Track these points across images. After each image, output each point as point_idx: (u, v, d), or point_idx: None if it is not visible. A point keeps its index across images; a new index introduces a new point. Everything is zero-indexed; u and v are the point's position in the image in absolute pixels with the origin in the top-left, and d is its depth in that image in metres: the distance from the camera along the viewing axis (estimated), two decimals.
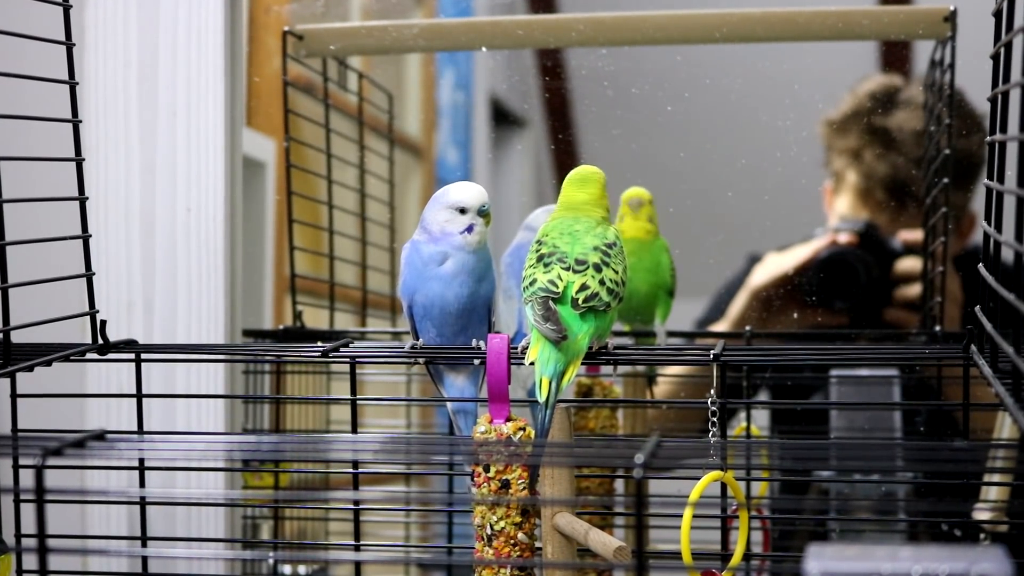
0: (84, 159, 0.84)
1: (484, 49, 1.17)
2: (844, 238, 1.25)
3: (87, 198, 0.84)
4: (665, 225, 0.98)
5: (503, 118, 2.33)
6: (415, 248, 0.81)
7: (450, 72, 2.18)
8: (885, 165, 1.30)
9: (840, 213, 1.35)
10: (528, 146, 2.39)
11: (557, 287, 0.74)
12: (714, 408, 0.75)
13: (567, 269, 0.74)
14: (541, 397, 0.72)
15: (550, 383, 0.71)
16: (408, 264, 0.81)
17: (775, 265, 1.26)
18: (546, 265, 0.75)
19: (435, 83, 2.13)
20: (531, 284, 0.75)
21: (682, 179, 1.49)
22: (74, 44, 0.81)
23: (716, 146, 1.69)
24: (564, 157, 1.98)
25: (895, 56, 2.05)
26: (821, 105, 1.42)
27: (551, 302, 0.73)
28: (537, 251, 0.76)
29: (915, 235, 1.23)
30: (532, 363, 0.73)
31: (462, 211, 0.80)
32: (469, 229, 0.80)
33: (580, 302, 0.73)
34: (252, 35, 1.39)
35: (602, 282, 0.74)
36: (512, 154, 2.39)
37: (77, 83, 0.81)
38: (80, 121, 0.82)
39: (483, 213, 0.80)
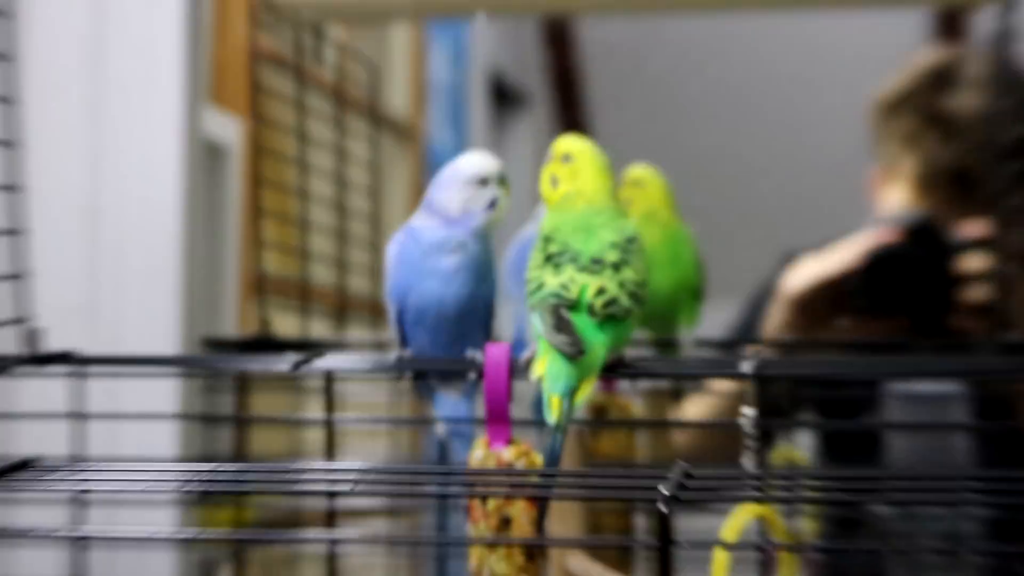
0: (19, 143, 0.82)
1: (482, 17, 1.15)
2: (897, 234, 1.22)
3: (22, 187, 0.83)
4: (690, 218, 0.97)
5: (503, 95, 2.32)
6: (413, 237, 0.79)
7: (443, 43, 2.17)
8: (947, 150, 1.28)
9: (892, 205, 1.32)
10: (532, 127, 2.38)
11: (571, 292, 0.72)
12: (750, 430, 0.73)
13: (581, 270, 0.72)
14: (551, 419, 0.70)
15: (561, 402, 0.70)
16: (401, 259, 0.80)
17: (813, 269, 1.23)
18: (556, 266, 0.73)
19: (425, 56, 2.12)
20: (538, 288, 0.73)
21: (710, 165, 1.48)
22: (9, 14, 0.80)
23: (749, 128, 1.68)
24: None
25: (951, 25, 2.03)
26: (870, 81, 1.40)
27: (564, 310, 0.71)
28: (544, 249, 0.74)
29: (981, 229, 1.21)
30: (539, 379, 0.71)
31: (483, 182, 0.78)
32: (493, 203, 0.78)
33: (597, 309, 0.72)
34: (216, 0, 1.39)
35: (621, 284, 0.72)
36: (514, 136, 2.37)
37: (11, 57, 0.80)
38: (14, 99, 0.81)
39: (503, 182, 0.79)
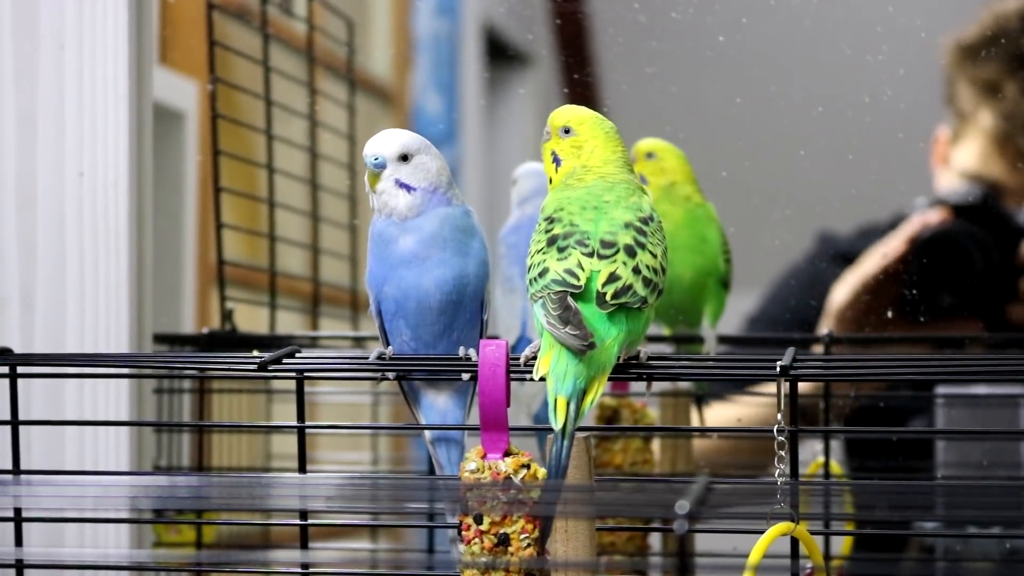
0: None
1: None
2: (949, 214, 1.24)
3: None
4: (717, 195, 0.98)
5: (500, 53, 2.33)
6: (373, 224, 0.82)
7: None
8: None
9: (961, 168, 1.34)
10: (533, 89, 2.39)
11: (578, 279, 0.73)
12: (782, 438, 0.74)
13: (590, 255, 0.74)
14: (556, 424, 0.71)
15: (568, 405, 0.71)
16: (372, 245, 0.82)
17: (853, 277, 1.26)
18: (561, 249, 0.74)
19: (410, 7, 2.13)
20: (541, 275, 0.74)
21: (738, 133, 1.49)
22: None
23: (783, 89, 1.69)
24: (581, 103, 1.97)
25: None
26: (924, 34, 1.41)
27: (570, 298, 0.72)
28: (548, 230, 0.76)
29: None
30: (543, 378, 0.72)
31: (377, 163, 0.80)
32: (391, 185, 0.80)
33: (608, 298, 0.73)
34: None
35: (636, 271, 0.74)
36: (512, 100, 2.39)
37: None
38: None
39: (375, 167, 0.80)
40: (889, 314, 1.25)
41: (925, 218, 1.25)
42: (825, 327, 1.26)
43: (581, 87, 1.88)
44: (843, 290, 1.26)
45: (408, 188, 0.80)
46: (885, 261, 1.24)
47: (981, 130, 1.33)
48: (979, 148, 1.33)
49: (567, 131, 0.79)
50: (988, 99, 1.32)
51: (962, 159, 1.34)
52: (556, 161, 0.79)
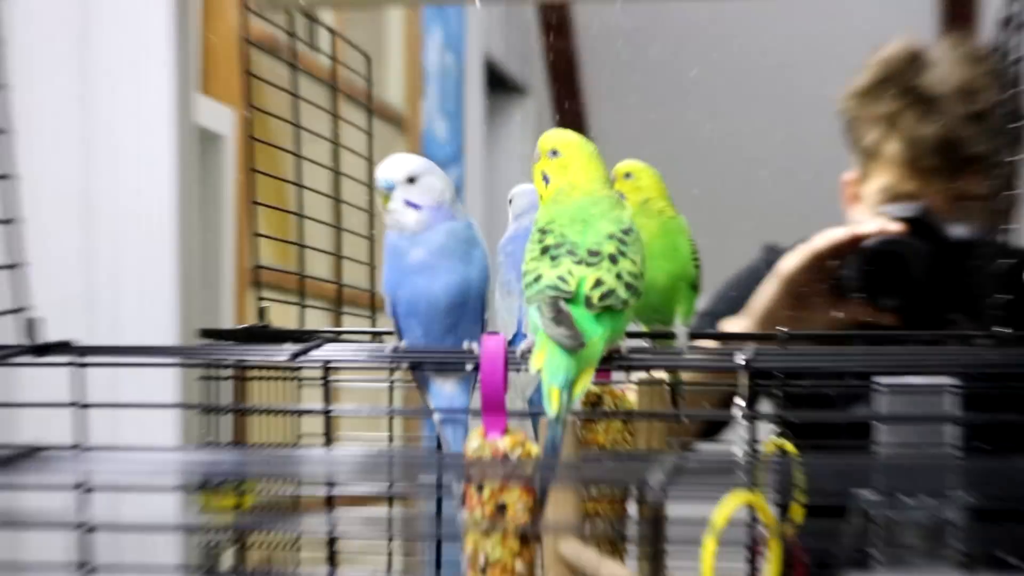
0: (9, 130, 0.84)
1: (477, 3, 1.17)
2: (900, 225, 1.25)
3: (15, 176, 0.84)
4: (689, 209, 0.99)
5: (500, 84, 2.34)
6: (387, 236, 0.83)
7: (438, 30, 2.18)
8: (930, 125, 1.31)
9: (876, 197, 1.34)
10: (529, 116, 2.39)
11: (568, 284, 0.74)
12: (743, 421, 0.76)
13: (578, 263, 0.75)
14: (551, 411, 0.72)
15: (560, 394, 0.72)
16: (387, 255, 0.83)
17: (806, 248, 1.25)
18: (553, 258, 0.75)
19: (421, 43, 2.13)
20: (536, 280, 0.75)
21: (707, 155, 1.50)
22: None
23: (749, 117, 1.70)
24: (571, 129, 1.99)
25: (958, 11, 2.05)
26: None
27: (562, 303, 0.73)
28: (540, 241, 0.77)
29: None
30: (538, 371, 0.73)
31: (388, 187, 0.82)
32: (404, 205, 0.81)
33: (595, 301, 0.74)
34: None
35: (619, 276, 0.75)
36: (510, 125, 2.39)
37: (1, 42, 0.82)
38: (3, 86, 0.83)
39: (386, 189, 0.81)
40: (832, 304, 1.25)
41: (872, 224, 1.26)
42: (768, 286, 1.26)
43: (570, 115, 1.89)
44: (792, 259, 1.26)
45: (415, 206, 0.81)
46: (831, 245, 1.24)
47: (889, 159, 1.34)
48: (892, 175, 1.34)
49: (555, 153, 0.80)
50: (891, 131, 1.34)
51: (876, 188, 1.35)
52: (546, 179, 0.80)
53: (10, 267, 0.84)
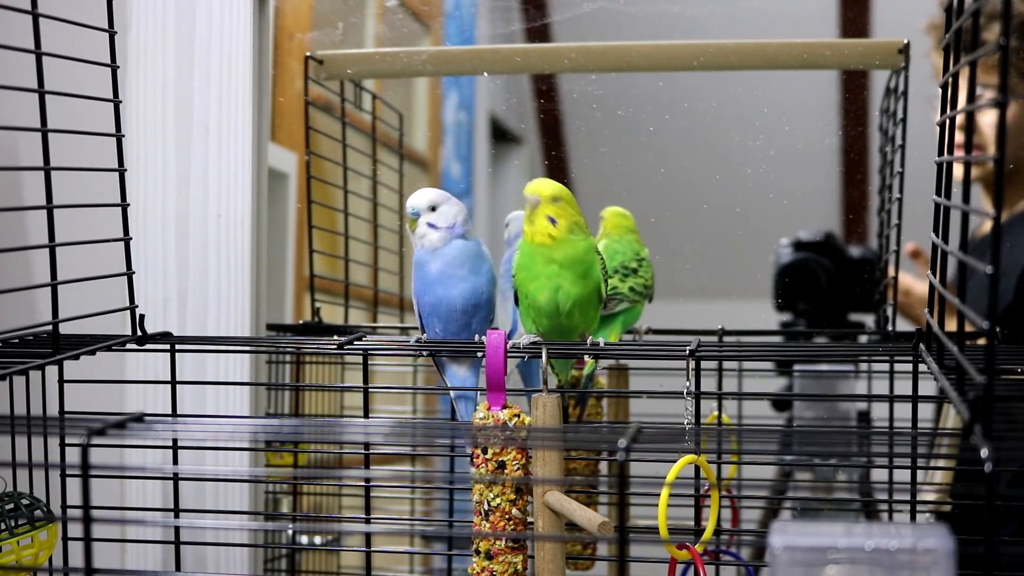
0: (126, 169, 0.85)
1: (485, 74, 1.17)
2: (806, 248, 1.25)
3: (128, 204, 0.85)
4: (647, 234, 0.98)
5: (501, 136, 2.34)
6: (415, 253, 0.82)
7: (454, 94, 2.19)
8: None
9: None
10: (524, 161, 2.39)
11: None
12: (690, 398, 0.75)
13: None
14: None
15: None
16: (415, 269, 0.82)
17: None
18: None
19: (441, 104, 2.14)
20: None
21: (663, 193, 1.50)
22: (118, 67, 0.82)
23: (693, 163, 1.70)
24: (556, 172, 1.98)
25: (854, 84, 2.05)
26: (787, 127, 1.42)
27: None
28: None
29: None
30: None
31: (414, 214, 0.81)
32: (428, 228, 0.80)
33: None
34: (277, 59, 1.40)
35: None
36: (510, 168, 2.39)
37: (120, 101, 0.82)
38: (123, 136, 0.84)
39: (413, 215, 0.80)
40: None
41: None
42: None
43: (556, 161, 1.89)
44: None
45: (436, 228, 0.80)
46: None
47: None
48: None
49: (556, 199, 0.79)
50: None
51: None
52: (553, 221, 0.78)
53: (123, 275, 0.84)
